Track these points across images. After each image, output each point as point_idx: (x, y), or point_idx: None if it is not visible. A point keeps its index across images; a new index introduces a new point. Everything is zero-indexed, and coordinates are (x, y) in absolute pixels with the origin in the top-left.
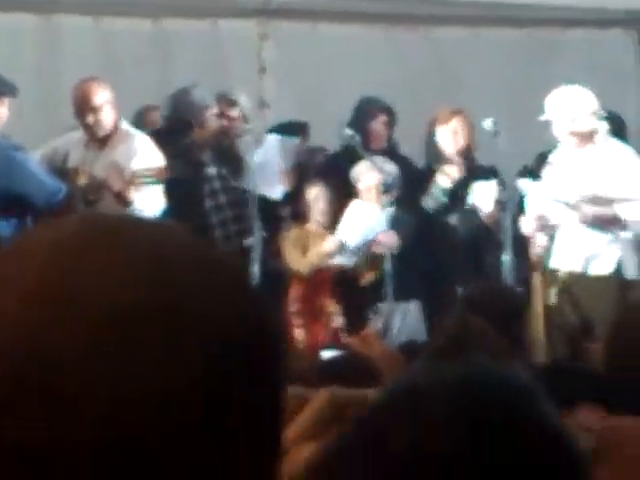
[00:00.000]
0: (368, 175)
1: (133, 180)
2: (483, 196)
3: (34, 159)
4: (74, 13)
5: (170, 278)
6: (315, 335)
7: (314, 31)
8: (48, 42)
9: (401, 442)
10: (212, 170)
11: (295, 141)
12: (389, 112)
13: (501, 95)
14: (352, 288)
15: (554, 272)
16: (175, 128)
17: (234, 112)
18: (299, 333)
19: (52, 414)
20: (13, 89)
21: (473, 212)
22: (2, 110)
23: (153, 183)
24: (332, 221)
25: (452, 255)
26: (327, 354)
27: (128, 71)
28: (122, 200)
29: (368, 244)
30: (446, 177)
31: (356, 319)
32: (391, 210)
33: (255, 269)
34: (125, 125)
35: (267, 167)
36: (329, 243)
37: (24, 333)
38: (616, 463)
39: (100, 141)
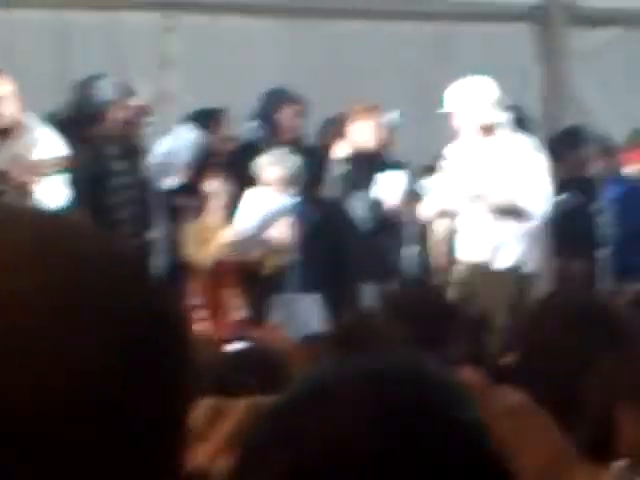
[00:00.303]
0: (270, 169)
1: (35, 171)
2: (388, 187)
3: None
4: None
5: (63, 267)
6: (219, 328)
7: (216, 24)
8: None
9: (318, 440)
10: (118, 165)
11: (202, 133)
12: (299, 102)
13: (403, 89)
14: (255, 279)
15: (457, 264)
16: (79, 120)
17: (133, 102)
18: (202, 326)
19: None
20: None
21: (377, 203)
22: None
23: (56, 174)
24: (230, 212)
25: (354, 248)
26: (232, 346)
27: (28, 63)
28: (23, 191)
29: (267, 233)
30: (344, 147)
31: (259, 311)
32: (294, 201)
33: (159, 261)
34: (27, 117)
35: (170, 158)
36: (227, 233)
37: None
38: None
39: (1, 133)
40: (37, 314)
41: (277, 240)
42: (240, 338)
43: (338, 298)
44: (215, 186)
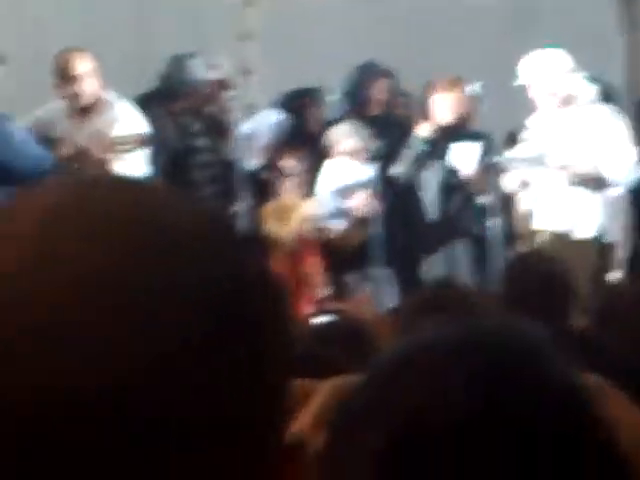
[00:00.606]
0: (346, 140)
1: (113, 147)
2: (463, 157)
3: (22, 129)
4: None
5: (155, 247)
6: (301, 305)
7: None
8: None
9: (415, 405)
10: (201, 141)
11: (288, 115)
12: (390, 76)
13: (484, 59)
14: (338, 254)
15: (536, 233)
16: (167, 96)
17: (217, 75)
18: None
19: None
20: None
21: (451, 172)
22: None
23: (133, 150)
24: (308, 190)
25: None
26: (318, 320)
27: (109, 38)
28: (103, 168)
29: (350, 207)
30: (427, 127)
31: (342, 287)
32: (372, 173)
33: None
34: (108, 94)
35: (253, 138)
36: (308, 205)
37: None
38: None
39: (83, 111)
40: (116, 288)
41: (357, 212)
42: (326, 312)
43: (412, 273)
44: (293, 163)
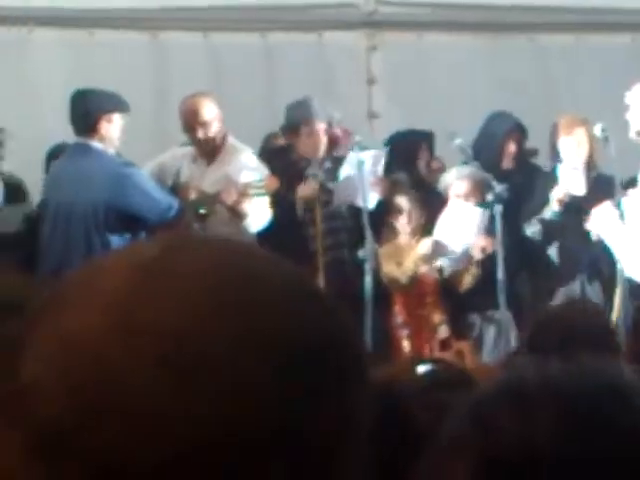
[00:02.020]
0: (460, 183)
1: (245, 192)
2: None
3: (146, 175)
4: (183, 29)
5: (239, 304)
6: (421, 345)
7: (420, 41)
8: (158, 58)
9: (510, 436)
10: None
11: (382, 151)
12: (523, 132)
13: (606, 101)
14: (454, 295)
15: None
16: (284, 143)
17: (335, 130)
18: (406, 344)
19: (127, 434)
20: (125, 105)
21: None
22: (114, 126)
23: (263, 195)
24: (422, 231)
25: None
26: (422, 368)
27: (236, 85)
28: (236, 213)
29: (467, 248)
30: (560, 196)
31: (459, 327)
32: (487, 214)
33: (368, 280)
34: (231, 139)
35: (354, 178)
36: (423, 245)
37: (93, 357)
38: None
39: (208, 155)
40: (215, 342)
41: (475, 253)
42: (425, 361)
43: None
44: (404, 204)
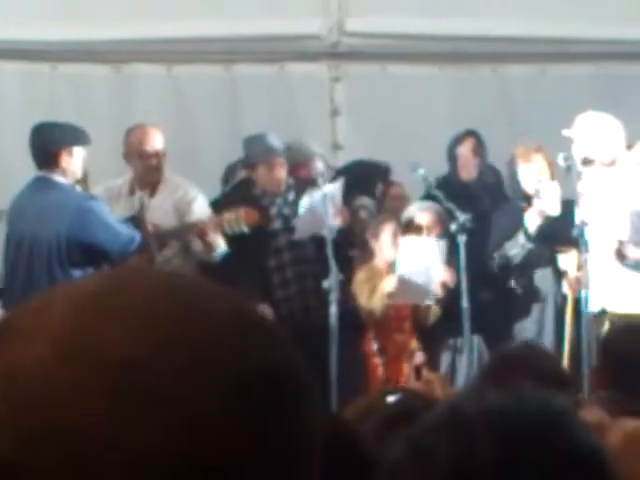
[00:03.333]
0: (420, 215)
1: (222, 224)
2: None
3: (108, 208)
4: (146, 62)
5: (182, 336)
6: (397, 373)
7: (384, 72)
8: (121, 91)
9: (447, 462)
10: (278, 224)
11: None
12: (476, 137)
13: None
14: (425, 324)
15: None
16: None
17: (316, 164)
18: (380, 372)
19: (75, 468)
20: (85, 138)
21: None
22: (75, 159)
23: (242, 229)
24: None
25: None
26: (391, 398)
27: (199, 117)
28: (209, 246)
29: (429, 281)
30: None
31: (432, 355)
32: (445, 246)
33: (333, 310)
34: (167, 172)
35: (316, 210)
36: (388, 282)
37: (41, 389)
38: None
39: (151, 187)
40: (161, 373)
41: (437, 287)
42: (394, 391)
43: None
44: (388, 229)
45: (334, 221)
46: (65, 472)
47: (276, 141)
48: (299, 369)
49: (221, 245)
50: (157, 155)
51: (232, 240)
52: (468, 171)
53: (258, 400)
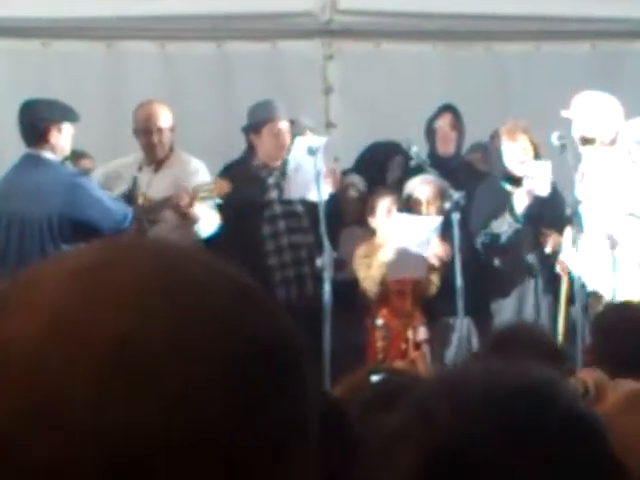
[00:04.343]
0: (420, 188)
1: (195, 195)
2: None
3: (97, 185)
4: (139, 39)
5: (179, 309)
6: (397, 346)
7: (377, 50)
8: (114, 68)
9: (443, 422)
10: (274, 194)
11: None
12: (454, 112)
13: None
14: (426, 299)
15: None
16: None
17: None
18: (381, 348)
19: (70, 445)
20: (74, 114)
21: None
22: (64, 136)
23: (213, 198)
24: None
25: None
26: (375, 378)
27: (192, 95)
28: (187, 217)
29: (425, 256)
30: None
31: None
32: (440, 220)
33: (327, 288)
34: (177, 150)
35: (302, 170)
36: (385, 252)
37: (31, 364)
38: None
39: (157, 163)
40: (157, 347)
41: (432, 260)
42: (378, 371)
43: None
44: (387, 205)
45: (325, 183)
46: (55, 446)
47: (283, 107)
48: (295, 344)
49: (207, 218)
50: (160, 132)
51: (226, 210)
52: (446, 146)
53: (251, 375)
